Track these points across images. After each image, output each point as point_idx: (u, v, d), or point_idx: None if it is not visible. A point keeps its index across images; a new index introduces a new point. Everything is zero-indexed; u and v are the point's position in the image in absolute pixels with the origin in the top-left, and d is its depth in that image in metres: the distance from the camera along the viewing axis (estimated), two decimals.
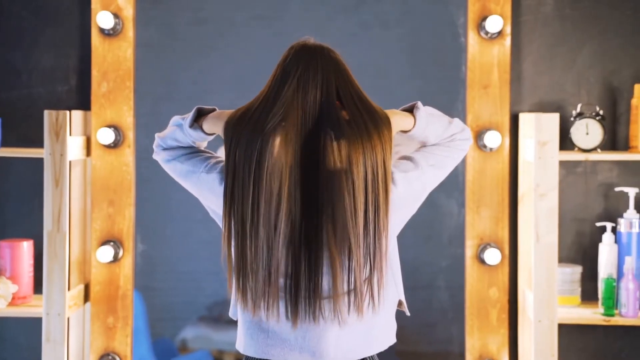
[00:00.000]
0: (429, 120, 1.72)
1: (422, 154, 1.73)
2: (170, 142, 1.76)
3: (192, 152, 1.76)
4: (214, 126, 1.70)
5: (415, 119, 1.70)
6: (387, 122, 1.65)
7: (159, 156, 1.79)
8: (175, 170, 1.76)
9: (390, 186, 1.64)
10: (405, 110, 1.74)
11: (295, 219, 1.60)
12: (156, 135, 1.79)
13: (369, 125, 1.62)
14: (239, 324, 1.74)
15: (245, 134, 1.62)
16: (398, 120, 1.69)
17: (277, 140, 1.61)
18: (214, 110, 1.73)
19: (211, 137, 1.74)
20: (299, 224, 1.61)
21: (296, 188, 1.61)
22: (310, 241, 1.61)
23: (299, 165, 1.61)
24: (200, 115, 1.73)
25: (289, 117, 1.62)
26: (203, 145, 1.79)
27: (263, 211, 1.60)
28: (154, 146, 1.80)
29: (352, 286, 1.63)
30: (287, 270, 1.62)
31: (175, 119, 1.76)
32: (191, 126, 1.72)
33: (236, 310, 1.74)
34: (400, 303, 1.76)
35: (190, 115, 1.72)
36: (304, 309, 1.63)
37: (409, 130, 1.71)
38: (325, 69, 1.65)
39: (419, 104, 1.72)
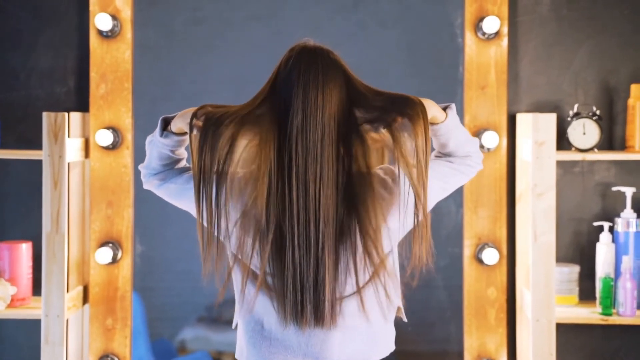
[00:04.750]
0: (458, 124, 1.73)
1: (432, 166, 1.72)
2: (155, 165, 1.76)
3: (180, 171, 1.76)
4: (181, 123, 1.70)
5: (447, 115, 1.71)
6: (415, 104, 1.63)
7: (150, 184, 1.79)
8: (169, 191, 1.76)
9: (426, 173, 1.62)
10: None
11: (288, 221, 1.61)
12: (139, 167, 1.80)
13: (391, 114, 1.62)
14: (241, 332, 1.73)
15: (220, 129, 1.62)
16: (432, 106, 1.69)
17: (256, 141, 1.62)
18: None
19: (185, 138, 1.74)
20: (301, 225, 1.61)
21: (298, 188, 1.61)
22: (315, 243, 1.61)
23: (287, 167, 1.61)
24: (168, 124, 1.74)
25: (281, 118, 1.63)
26: (184, 155, 1.78)
27: (236, 214, 1.62)
28: (142, 177, 1.80)
29: (359, 287, 1.65)
30: (276, 271, 1.63)
31: (148, 139, 1.77)
32: (162, 135, 1.73)
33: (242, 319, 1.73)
34: (398, 309, 1.77)
35: (158, 127, 1.74)
36: (310, 312, 1.63)
37: (438, 123, 1.71)
38: (325, 70, 1.65)
39: (453, 105, 1.73)
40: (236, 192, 1.64)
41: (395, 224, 1.66)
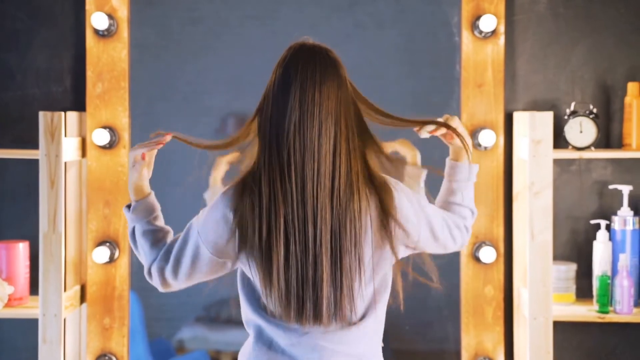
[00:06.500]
0: (473, 182, 1.82)
1: (433, 211, 1.74)
2: (149, 252, 1.76)
3: (172, 243, 1.75)
4: (134, 178, 1.76)
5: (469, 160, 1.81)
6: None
7: (163, 275, 1.74)
8: (185, 265, 1.71)
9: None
10: None
11: (294, 230, 1.62)
12: (145, 275, 1.77)
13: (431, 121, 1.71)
14: (248, 351, 1.74)
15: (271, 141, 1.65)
16: (463, 129, 1.78)
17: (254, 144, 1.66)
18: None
19: (153, 203, 1.78)
20: (300, 221, 1.62)
21: (297, 184, 1.62)
22: (313, 240, 1.61)
23: (285, 163, 1.62)
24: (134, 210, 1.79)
25: (280, 116, 1.64)
26: (168, 228, 1.80)
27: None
28: (153, 282, 1.76)
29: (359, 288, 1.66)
30: (281, 268, 1.64)
31: (130, 241, 1.79)
32: (131, 210, 1.77)
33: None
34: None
35: (128, 218, 1.79)
36: (310, 309, 1.63)
37: (462, 161, 1.80)
38: (323, 67, 1.65)
39: (477, 165, 1.84)
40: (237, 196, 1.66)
41: (389, 223, 1.66)
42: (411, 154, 1.94)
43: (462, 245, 1.81)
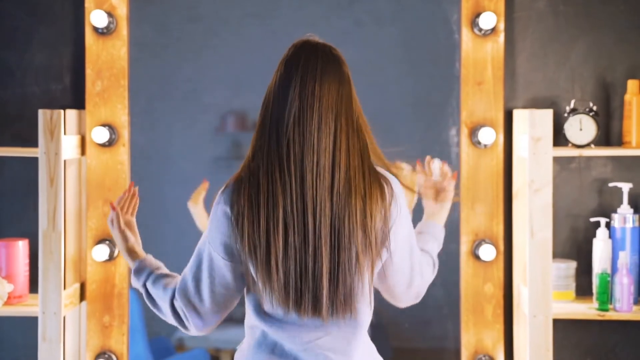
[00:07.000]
0: (440, 243, 1.92)
1: (415, 238, 1.79)
2: (164, 295, 1.75)
3: (185, 272, 1.74)
4: (118, 236, 1.85)
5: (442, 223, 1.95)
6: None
7: (190, 303, 1.71)
8: (212, 282, 1.69)
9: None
10: None
11: (295, 225, 1.62)
12: (173, 320, 1.76)
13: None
14: (248, 353, 1.73)
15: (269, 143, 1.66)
16: (446, 211, 1.96)
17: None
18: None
19: (148, 258, 1.82)
20: (299, 213, 1.62)
21: (296, 175, 1.62)
22: (313, 233, 1.62)
23: (285, 155, 1.63)
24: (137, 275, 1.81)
25: (280, 110, 1.64)
26: (174, 274, 1.81)
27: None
28: (185, 313, 1.73)
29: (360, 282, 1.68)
30: (281, 260, 1.63)
31: (147, 300, 1.79)
32: (137, 273, 1.79)
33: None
34: None
35: (136, 282, 1.80)
36: (308, 300, 1.63)
37: (437, 222, 1.92)
38: (325, 62, 1.66)
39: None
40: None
41: (385, 224, 1.66)
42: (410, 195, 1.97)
43: (418, 294, 1.81)
